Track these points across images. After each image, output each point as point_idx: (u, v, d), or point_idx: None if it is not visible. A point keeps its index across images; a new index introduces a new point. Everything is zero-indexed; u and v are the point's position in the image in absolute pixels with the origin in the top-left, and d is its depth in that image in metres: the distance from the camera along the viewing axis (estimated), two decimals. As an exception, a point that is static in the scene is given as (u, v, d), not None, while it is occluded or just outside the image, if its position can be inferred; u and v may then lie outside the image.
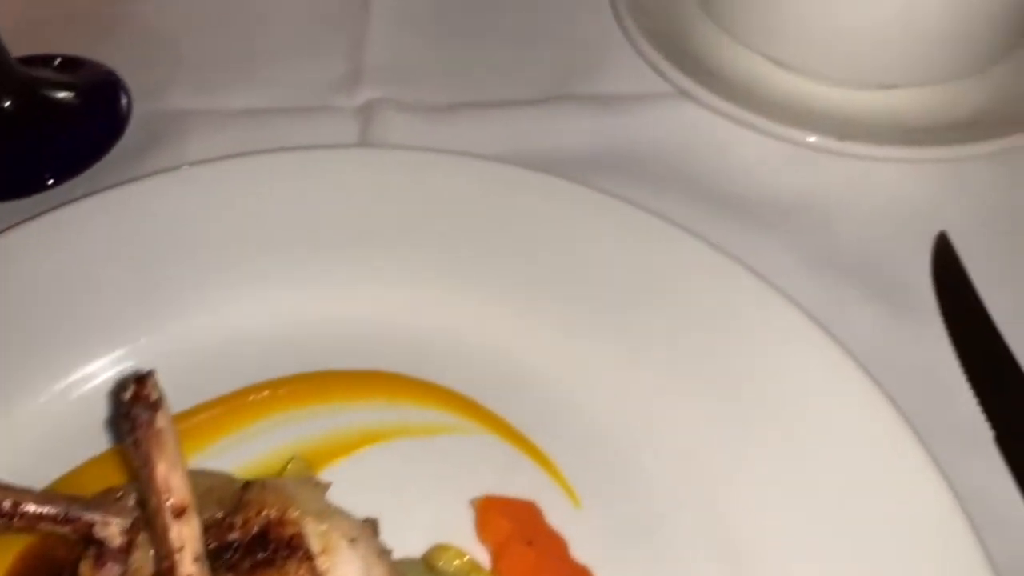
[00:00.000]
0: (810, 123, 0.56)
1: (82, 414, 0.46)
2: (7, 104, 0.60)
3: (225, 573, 0.35)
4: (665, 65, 0.59)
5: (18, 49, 0.61)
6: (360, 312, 0.49)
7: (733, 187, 0.58)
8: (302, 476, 0.43)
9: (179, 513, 0.33)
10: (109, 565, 0.36)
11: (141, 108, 0.62)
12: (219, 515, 0.37)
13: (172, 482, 0.33)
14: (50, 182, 0.58)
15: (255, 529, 0.36)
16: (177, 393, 0.44)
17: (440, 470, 0.45)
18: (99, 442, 0.46)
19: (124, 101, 0.62)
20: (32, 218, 0.51)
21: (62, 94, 0.63)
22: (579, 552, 0.42)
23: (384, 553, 0.38)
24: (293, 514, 0.36)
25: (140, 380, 0.33)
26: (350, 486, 0.42)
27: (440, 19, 0.68)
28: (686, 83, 0.58)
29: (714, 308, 0.47)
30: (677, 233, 0.49)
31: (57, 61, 0.65)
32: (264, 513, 0.36)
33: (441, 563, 0.41)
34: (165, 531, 0.33)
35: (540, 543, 0.42)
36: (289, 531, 0.36)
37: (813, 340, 0.45)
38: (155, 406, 0.33)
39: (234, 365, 0.46)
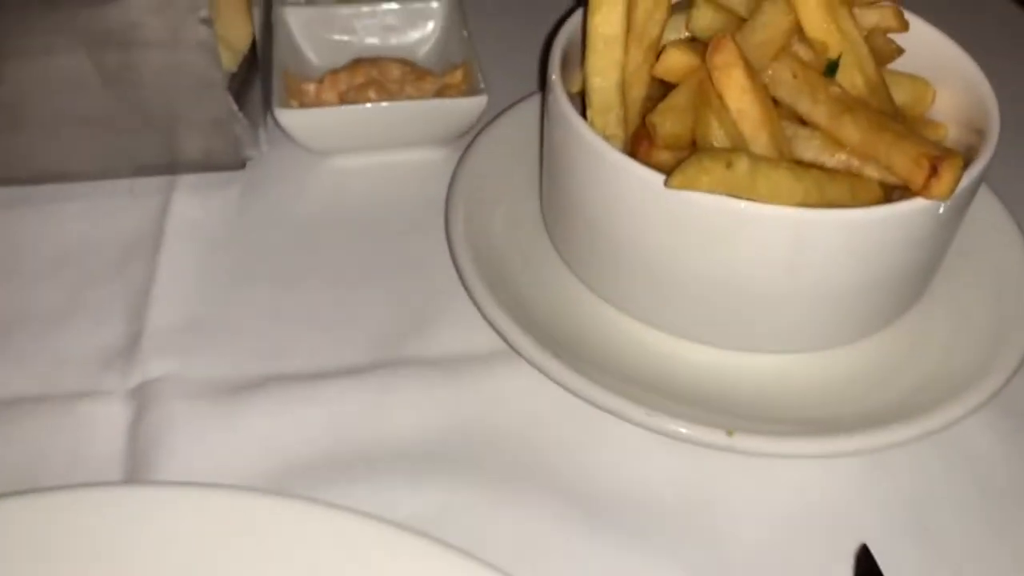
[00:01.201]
0: (692, 408, 0.43)
1: None
2: None
3: None
4: (512, 330, 0.46)
5: None
6: None
7: (600, 484, 0.44)
8: None
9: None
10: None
11: None
12: None
13: None
14: None
15: None
16: None
17: None
18: None
19: None
20: None
21: None
22: None
23: None
24: None
25: None
26: None
27: (245, 263, 0.54)
28: (539, 357, 0.45)
29: None
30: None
31: None
32: None
33: None
34: None
35: None
36: None
37: None
38: None
39: None
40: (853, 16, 0.45)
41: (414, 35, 0.66)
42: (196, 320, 0.51)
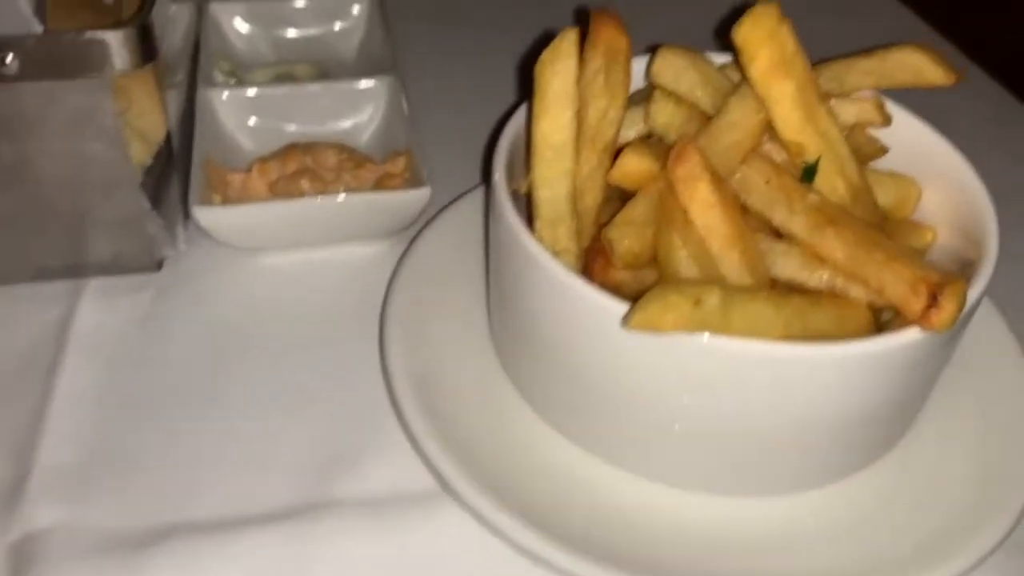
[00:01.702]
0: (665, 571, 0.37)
1: None
2: None
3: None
4: (454, 475, 0.39)
5: None
6: None
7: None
8: None
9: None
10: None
11: None
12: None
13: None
14: None
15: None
16: None
17: None
18: None
19: None
20: None
21: None
22: None
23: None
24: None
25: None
26: None
27: (154, 385, 0.46)
28: (485, 509, 0.38)
29: None
30: None
31: None
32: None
33: None
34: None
35: None
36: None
37: None
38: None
39: None
40: (831, 113, 0.39)
41: (354, 119, 0.60)
42: (93, 457, 0.44)
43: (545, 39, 0.37)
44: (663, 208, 0.37)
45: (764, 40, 0.37)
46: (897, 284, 0.35)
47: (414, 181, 0.54)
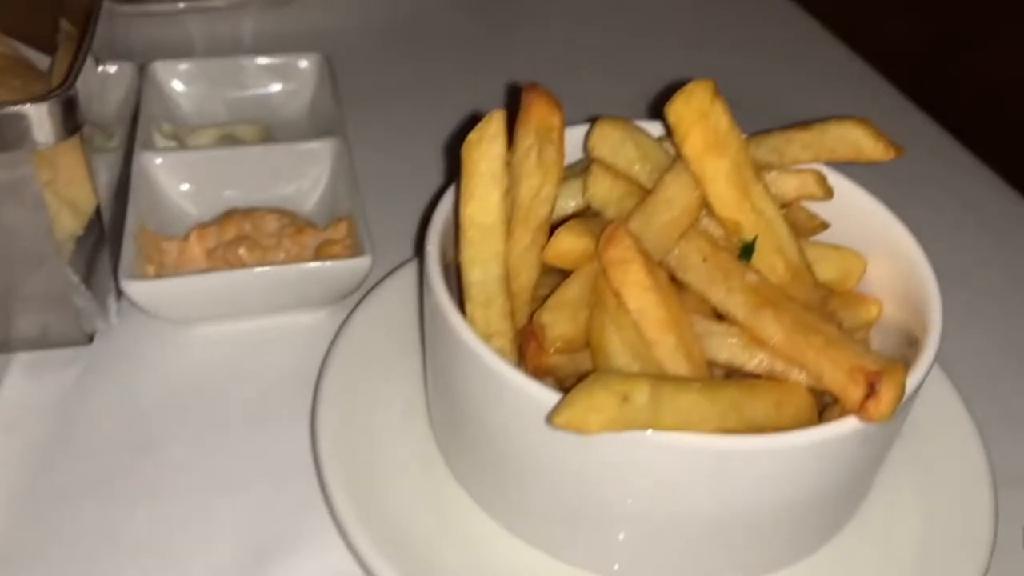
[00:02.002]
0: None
1: None
2: None
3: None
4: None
5: None
6: None
7: None
8: None
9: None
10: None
11: None
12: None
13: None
14: None
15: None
16: None
17: None
18: None
19: None
20: None
21: None
22: None
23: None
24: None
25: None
26: None
27: (75, 469, 0.44)
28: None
29: None
30: None
31: None
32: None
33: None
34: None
35: None
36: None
37: None
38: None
39: None
40: (767, 190, 0.38)
41: (297, 182, 0.58)
42: (9, 545, 0.41)
43: (472, 120, 0.36)
44: (596, 293, 0.35)
45: (697, 119, 0.36)
46: (835, 371, 0.33)
47: (356, 248, 0.52)
